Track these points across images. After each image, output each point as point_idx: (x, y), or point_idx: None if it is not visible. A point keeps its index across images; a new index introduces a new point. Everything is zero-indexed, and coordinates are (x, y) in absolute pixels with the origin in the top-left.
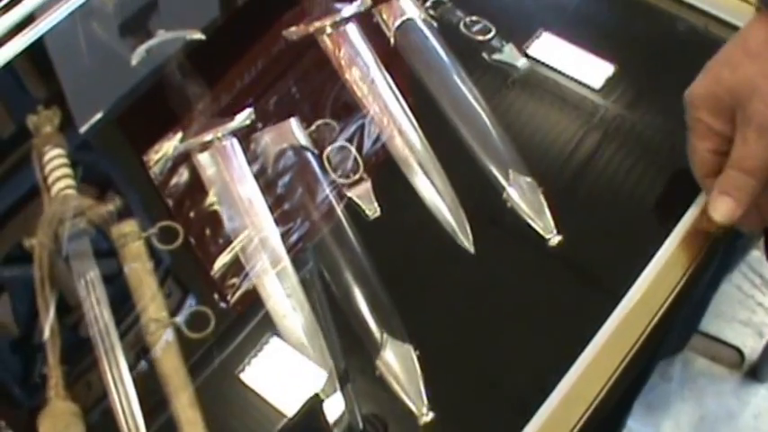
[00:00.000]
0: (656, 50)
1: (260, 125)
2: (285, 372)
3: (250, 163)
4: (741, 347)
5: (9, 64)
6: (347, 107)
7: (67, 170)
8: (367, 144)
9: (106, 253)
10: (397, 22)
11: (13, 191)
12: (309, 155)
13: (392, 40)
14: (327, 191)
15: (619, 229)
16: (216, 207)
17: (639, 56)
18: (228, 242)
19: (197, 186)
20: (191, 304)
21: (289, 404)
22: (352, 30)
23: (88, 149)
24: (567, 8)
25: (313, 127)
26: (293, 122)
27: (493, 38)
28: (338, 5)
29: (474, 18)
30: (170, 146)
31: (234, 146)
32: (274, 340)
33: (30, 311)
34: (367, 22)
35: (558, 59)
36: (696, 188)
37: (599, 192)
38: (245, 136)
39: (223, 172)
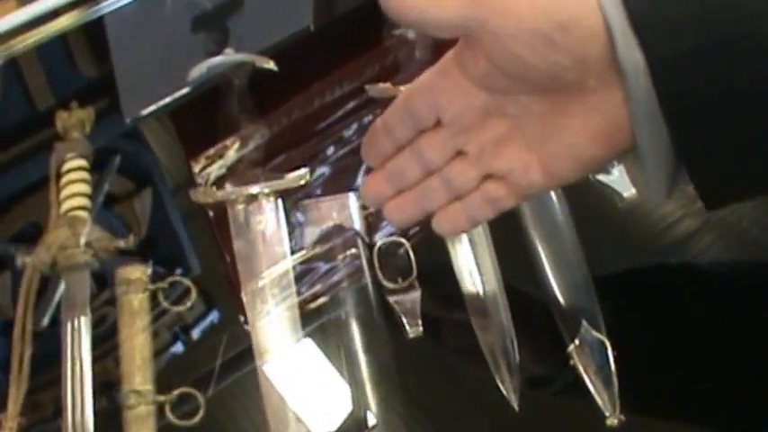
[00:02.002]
0: None
1: (316, 189)
2: None
3: (290, 232)
4: None
5: (63, 36)
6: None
7: (85, 187)
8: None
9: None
10: None
11: (20, 189)
12: (359, 242)
13: None
14: (369, 290)
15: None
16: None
17: None
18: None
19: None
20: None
21: None
22: None
23: (119, 153)
24: None
25: (371, 209)
26: (352, 198)
27: None
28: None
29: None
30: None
31: (277, 208)
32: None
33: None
34: None
35: None
36: None
37: (688, 371)
38: (291, 197)
39: (255, 234)
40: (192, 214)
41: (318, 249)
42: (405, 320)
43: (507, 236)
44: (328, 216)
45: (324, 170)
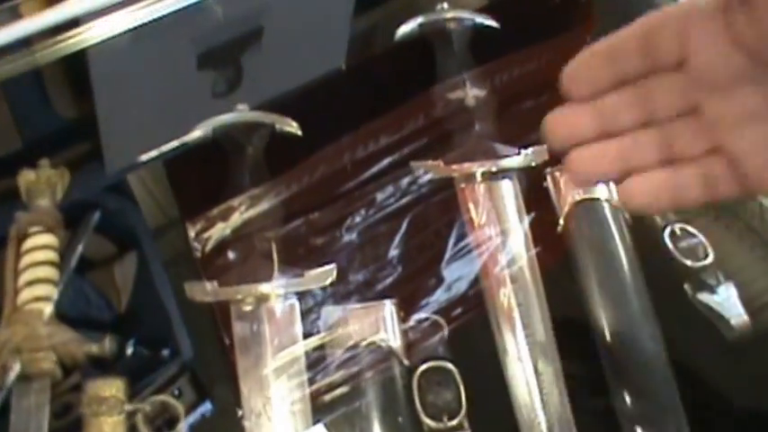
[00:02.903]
0: None
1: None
2: None
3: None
4: None
5: (36, 70)
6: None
7: (51, 273)
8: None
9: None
10: (576, 198)
11: None
12: (395, 365)
13: (561, 221)
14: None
15: None
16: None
17: None
18: None
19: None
20: None
21: None
22: (508, 188)
23: (98, 209)
24: None
25: (412, 321)
26: (388, 308)
27: (708, 267)
28: (494, 148)
29: (688, 228)
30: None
31: (293, 312)
32: None
33: None
34: (531, 181)
35: None
36: None
37: None
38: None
39: (263, 346)
40: (184, 284)
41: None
42: None
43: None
44: (358, 330)
45: (351, 238)
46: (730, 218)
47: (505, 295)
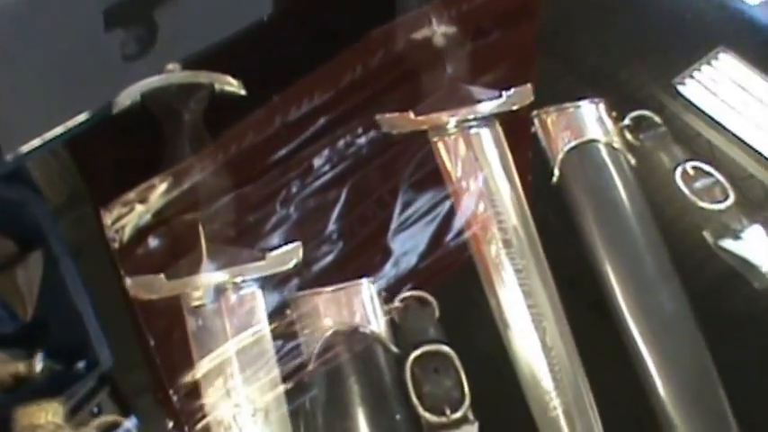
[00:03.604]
0: None
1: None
2: None
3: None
4: None
5: None
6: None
7: None
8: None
9: None
10: (570, 144)
11: None
12: (381, 353)
13: (555, 171)
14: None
15: None
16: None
17: None
18: None
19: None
20: None
21: None
22: (489, 137)
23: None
24: None
25: (396, 302)
26: (366, 288)
27: (729, 209)
28: (472, 92)
29: (703, 165)
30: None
31: (255, 302)
32: None
33: None
34: (516, 128)
35: None
36: None
37: None
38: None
39: (225, 346)
40: (99, 284)
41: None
42: None
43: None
44: (332, 316)
45: (288, 213)
46: None
47: (500, 263)
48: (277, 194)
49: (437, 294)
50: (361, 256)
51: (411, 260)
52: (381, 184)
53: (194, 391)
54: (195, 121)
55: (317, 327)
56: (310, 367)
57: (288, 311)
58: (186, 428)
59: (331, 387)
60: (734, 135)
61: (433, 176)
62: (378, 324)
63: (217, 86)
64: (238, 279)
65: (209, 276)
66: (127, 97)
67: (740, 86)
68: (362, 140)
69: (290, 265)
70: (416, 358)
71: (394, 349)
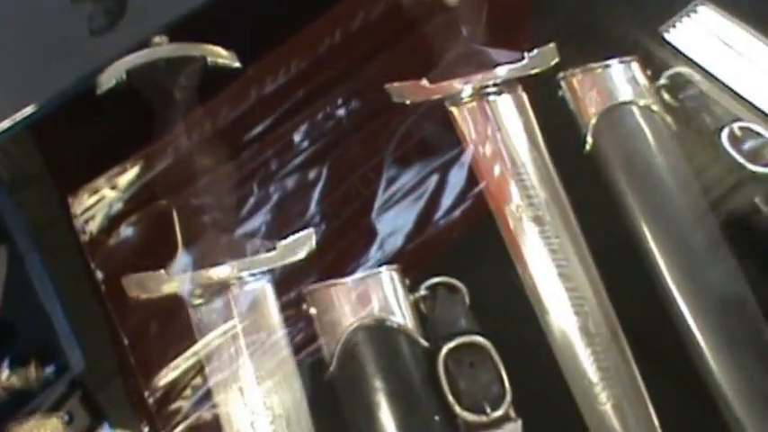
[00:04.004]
0: None
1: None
2: None
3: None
4: None
5: None
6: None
7: None
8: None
9: None
10: (602, 108)
11: None
12: (409, 348)
13: (588, 138)
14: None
15: None
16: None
17: None
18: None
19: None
20: None
21: None
22: (508, 104)
23: None
24: None
25: (422, 290)
26: (387, 276)
27: None
28: (489, 54)
29: (752, 126)
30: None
31: (267, 298)
32: None
33: None
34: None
35: None
36: None
37: None
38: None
39: (237, 348)
40: (69, 279)
41: None
42: None
43: None
44: (353, 309)
45: (267, 194)
46: None
47: (533, 243)
48: (255, 174)
49: (464, 280)
50: (345, 238)
51: (397, 241)
52: (364, 159)
53: (171, 393)
54: (188, 98)
55: (336, 322)
56: (332, 368)
57: (303, 306)
58: None
59: (356, 388)
60: (723, 83)
61: (418, 149)
62: (404, 316)
63: (209, 60)
64: (245, 273)
65: (216, 272)
66: (111, 76)
67: (721, 37)
68: (342, 112)
69: (303, 254)
70: (449, 352)
71: (423, 343)
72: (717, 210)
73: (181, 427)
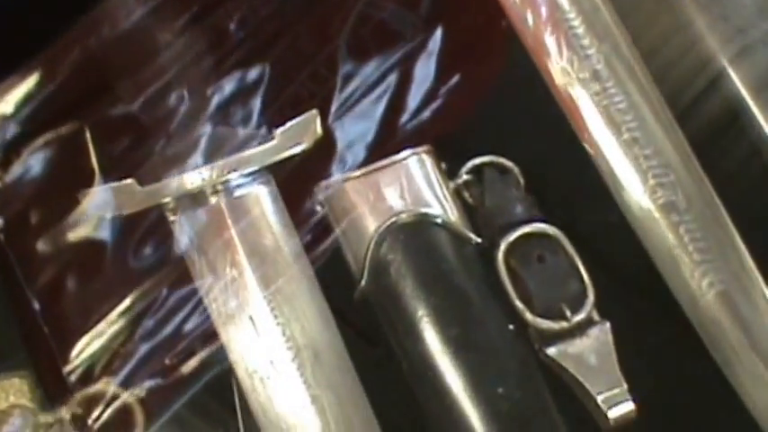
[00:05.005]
0: None
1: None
2: None
3: None
4: None
5: None
6: None
7: None
8: None
9: None
10: None
11: None
12: (456, 246)
13: None
14: None
15: None
16: None
17: None
18: None
19: None
20: None
21: None
22: None
23: None
24: None
25: (464, 176)
26: (415, 162)
27: None
28: None
29: None
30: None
31: (276, 202)
32: None
33: None
34: None
35: None
36: None
37: None
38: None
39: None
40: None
41: None
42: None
43: None
44: (381, 205)
45: (197, 102)
46: None
47: (590, 101)
48: (181, 79)
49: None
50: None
51: (359, 154)
52: (314, 52)
53: (95, 366)
54: None
55: (362, 225)
56: (363, 282)
57: (318, 208)
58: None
59: (397, 304)
60: None
61: (376, 36)
62: (444, 208)
63: None
64: (234, 175)
65: (199, 175)
66: None
67: None
68: None
69: (307, 143)
70: (510, 246)
71: (475, 239)
72: None
73: (110, 409)
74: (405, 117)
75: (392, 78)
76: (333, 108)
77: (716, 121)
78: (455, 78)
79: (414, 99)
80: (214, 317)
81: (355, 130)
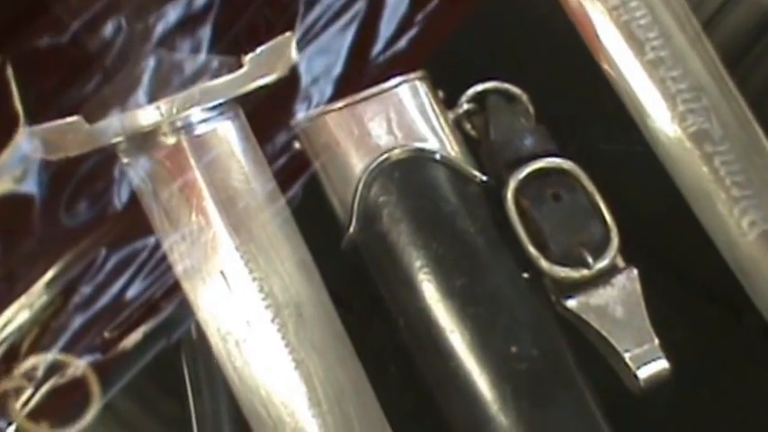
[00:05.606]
0: None
1: None
2: None
3: None
4: None
5: None
6: None
7: None
8: None
9: None
10: None
11: None
12: (460, 185)
13: None
14: None
15: None
16: None
17: None
18: None
19: None
20: None
21: None
22: None
23: None
24: None
25: (464, 105)
26: (407, 90)
27: None
28: None
29: None
30: None
31: (235, 138)
32: None
33: None
34: None
35: None
36: None
37: None
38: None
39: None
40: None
41: None
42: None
43: None
44: (371, 140)
45: (139, 28)
46: None
47: (606, 18)
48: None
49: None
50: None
51: (325, 91)
52: None
53: (18, 348)
54: None
55: (348, 163)
56: (351, 228)
57: (296, 144)
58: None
59: (391, 253)
60: None
61: None
62: (443, 142)
63: None
64: (197, 109)
65: (156, 110)
66: None
67: None
68: None
69: (281, 71)
70: (520, 185)
71: (480, 176)
72: None
73: (38, 395)
74: (377, 48)
75: (361, 4)
76: (295, 37)
77: (745, 28)
78: (434, 1)
79: (387, 27)
80: (178, 273)
81: (320, 64)
